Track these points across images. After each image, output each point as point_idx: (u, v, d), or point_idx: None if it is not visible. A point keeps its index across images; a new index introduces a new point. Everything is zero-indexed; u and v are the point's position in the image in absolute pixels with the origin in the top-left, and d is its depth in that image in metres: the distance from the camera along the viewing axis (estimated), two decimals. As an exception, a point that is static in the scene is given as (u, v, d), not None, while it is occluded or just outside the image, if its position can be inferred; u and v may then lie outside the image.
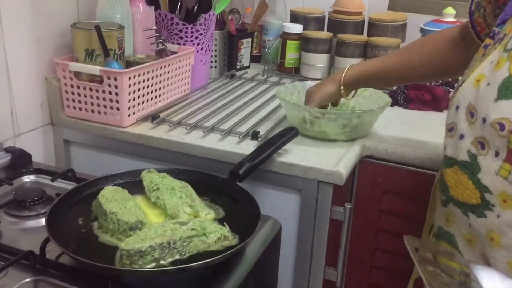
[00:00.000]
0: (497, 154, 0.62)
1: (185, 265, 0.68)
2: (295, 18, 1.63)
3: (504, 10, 0.71)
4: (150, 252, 0.68)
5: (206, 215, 0.80)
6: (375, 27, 1.55)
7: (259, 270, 0.82)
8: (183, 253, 0.71)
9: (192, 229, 0.73)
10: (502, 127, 0.61)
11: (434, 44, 0.97)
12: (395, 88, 1.39)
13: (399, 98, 1.35)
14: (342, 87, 1.04)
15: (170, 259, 0.70)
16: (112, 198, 0.79)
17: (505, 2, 0.74)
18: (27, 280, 0.72)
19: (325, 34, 1.55)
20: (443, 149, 0.73)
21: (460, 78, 0.73)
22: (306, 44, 1.54)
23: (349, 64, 1.08)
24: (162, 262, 0.69)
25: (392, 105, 1.34)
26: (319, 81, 1.14)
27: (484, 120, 0.63)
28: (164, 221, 0.77)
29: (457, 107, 0.70)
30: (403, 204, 1.10)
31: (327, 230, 1.02)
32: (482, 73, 0.67)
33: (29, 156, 1.04)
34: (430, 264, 0.58)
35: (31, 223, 0.86)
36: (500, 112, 0.61)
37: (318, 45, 1.53)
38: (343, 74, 1.04)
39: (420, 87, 1.35)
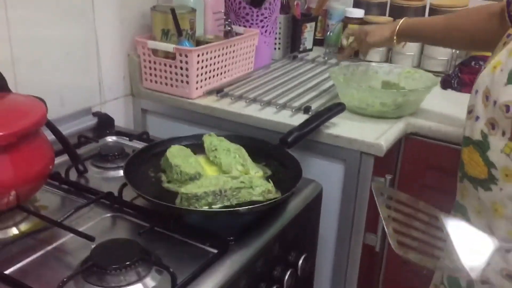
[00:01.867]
0: (503, 133, 0.70)
1: (233, 209, 0.82)
2: (358, 3, 1.71)
3: None
4: (204, 197, 0.82)
5: (255, 173, 0.93)
6: (436, 12, 1.59)
7: (299, 224, 0.94)
8: (232, 201, 0.84)
9: (241, 181, 0.86)
10: (507, 109, 0.68)
11: (478, 15, 1.03)
12: (450, 72, 1.44)
13: (452, 81, 1.40)
14: (395, 36, 1.14)
15: (221, 205, 0.83)
16: (177, 155, 0.94)
17: None
18: (107, 215, 0.89)
19: (385, 18, 1.62)
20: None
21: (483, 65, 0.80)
22: (366, 28, 1.61)
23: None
24: (214, 206, 0.83)
25: (445, 88, 1.40)
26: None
27: (495, 103, 0.71)
28: (219, 174, 0.91)
29: (476, 91, 0.77)
30: (444, 180, 1.16)
31: (368, 197, 1.12)
32: (500, 60, 0.73)
33: (112, 120, 1.22)
34: (392, 208, 0.67)
35: (112, 173, 1.03)
36: (508, 95, 0.69)
37: (378, 29, 1.59)
38: (399, 25, 1.14)
39: (475, 71, 1.39)
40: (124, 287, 0.70)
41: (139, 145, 1.12)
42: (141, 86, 1.32)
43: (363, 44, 1.24)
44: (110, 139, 1.18)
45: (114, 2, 1.23)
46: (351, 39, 1.32)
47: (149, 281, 0.72)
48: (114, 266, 0.71)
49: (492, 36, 0.85)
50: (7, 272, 0.73)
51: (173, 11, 1.21)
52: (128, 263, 0.71)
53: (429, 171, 1.18)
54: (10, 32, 1.01)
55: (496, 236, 0.72)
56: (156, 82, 1.30)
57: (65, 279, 0.68)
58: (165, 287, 0.71)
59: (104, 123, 1.20)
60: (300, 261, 0.92)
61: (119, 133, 1.18)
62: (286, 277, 0.88)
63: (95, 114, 1.21)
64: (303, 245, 0.97)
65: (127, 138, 1.15)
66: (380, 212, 0.66)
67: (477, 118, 0.75)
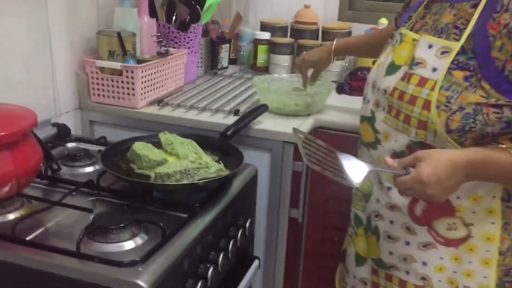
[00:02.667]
0: (383, 109, 1.02)
1: (195, 182, 1.06)
2: (264, 27, 2.03)
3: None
4: (173, 175, 1.06)
5: (207, 158, 1.18)
6: (327, 34, 1.97)
7: (243, 196, 1.20)
8: (194, 178, 1.08)
9: (199, 163, 1.11)
10: (385, 92, 1.01)
11: (383, 33, 1.37)
12: (343, 80, 1.80)
13: (345, 87, 1.76)
14: (332, 54, 1.45)
15: (186, 181, 1.07)
16: (142, 148, 1.16)
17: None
18: (89, 199, 1.08)
19: (288, 40, 1.96)
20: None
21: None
22: (273, 47, 1.94)
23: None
24: (180, 182, 1.07)
25: (340, 93, 1.75)
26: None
27: (378, 89, 1.03)
28: (180, 160, 1.15)
29: (367, 83, 1.10)
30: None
31: (291, 178, 1.41)
32: (381, 60, 1.07)
33: (69, 129, 1.40)
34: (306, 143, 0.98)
35: (80, 170, 1.22)
36: (385, 83, 1.02)
37: (283, 48, 1.93)
38: (334, 45, 1.45)
39: (361, 79, 1.76)
40: (123, 241, 0.91)
41: (98, 147, 1.32)
42: (89, 100, 1.51)
43: (316, 70, 1.52)
44: (70, 145, 1.35)
45: (64, 28, 1.42)
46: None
47: (141, 237, 0.94)
48: (113, 227, 0.92)
49: None
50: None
51: (119, 34, 1.43)
52: (126, 223, 0.92)
53: (334, 156, 1.51)
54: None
55: (382, 179, 1.04)
56: (103, 96, 1.50)
57: (81, 236, 0.88)
58: (152, 242, 0.92)
59: (62, 132, 1.38)
60: (247, 224, 1.19)
61: (78, 140, 1.37)
62: (239, 235, 1.14)
63: (54, 124, 1.38)
64: (247, 213, 1.23)
65: (86, 143, 1.34)
66: (299, 146, 0.97)
67: (368, 101, 1.07)
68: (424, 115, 0.93)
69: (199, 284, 0.96)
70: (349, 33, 1.96)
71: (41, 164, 1.05)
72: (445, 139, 0.92)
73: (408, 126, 0.96)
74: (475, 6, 0.92)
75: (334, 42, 1.46)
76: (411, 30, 1.03)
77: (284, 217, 1.45)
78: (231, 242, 1.10)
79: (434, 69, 0.94)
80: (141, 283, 0.81)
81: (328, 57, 1.46)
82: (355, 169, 0.89)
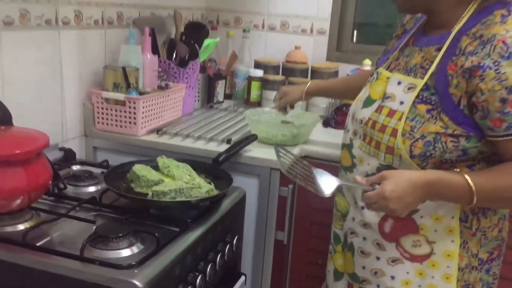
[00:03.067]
0: (360, 137, 1.16)
1: (188, 199, 1.18)
2: (258, 65, 2.19)
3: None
4: (169, 193, 1.18)
5: (199, 180, 1.30)
6: (316, 72, 2.13)
7: (231, 216, 1.32)
8: (187, 196, 1.21)
9: (193, 184, 1.23)
10: (361, 122, 1.15)
11: (361, 77, 1.51)
12: (329, 115, 1.94)
13: (331, 121, 1.90)
14: (304, 95, 1.58)
15: (180, 199, 1.19)
16: (141, 169, 1.28)
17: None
18: (92, 214, 1.20)
19: (280, 77, 2.11)
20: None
21: None
22: (266, 84, 2.10)
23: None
24: (175, 200, 1.19)
25: (326, 126, 1.89)
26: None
27: (356, 120, 1.17)
28: (176, 181, 1.27)
29: (348, 115, 1.24)
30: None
31: (277, 203, 1.53)
32: (360, 95, 1.21)
33: (74, 153, 1.53)
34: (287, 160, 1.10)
35: (84, 189, 1.34)
36: (362, 114, 1.15)
37: (275, 85, 2.08)
38: (306, 87, 1.58)
39: (345, 114, 1.90)
40: (121, 249, 1.03)
41: (101, 170, 1.44)
42: (94, 128, 1.65)
43: (284, 100, 1.65)
44: (75, 167, 1.48)
45: (75, 63, 1.57)
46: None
47: (137, 246, 1.05)
48: (113, 236, 1.03)
49: None
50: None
51: (124, 69, 1.58)
52: (125, 233, 1.04)
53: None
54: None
55: (356, 194, 1.16)
56: (107, 124, 1.63)
57: (84, 243, 0.99)
58: (147, 250, 1.03)
59: (68, 156, 1.51)
60: (234, 241, 1.30)
61: (82, 163, 1.49)
62: (226, 250, 1.25)
63: (61, 148, 1.51)
64: (235, 231, 1.35)
65: (90, 166, 1.47)
66: (279, 161, 1.10)
67: (348, 130, 1.21)
68: (392, 142, 1.06)
69: (189, 289, 1.07)
70: (336, 73, 2.11)
71: (50, 180, 1.17)
72: (409, 163, 1.05)
73: (378, 151, 1.09)
74: (439, 49, 1.07)
75: (307, 84, 1.59)
76: (387, 69, 1.18)
77: (270, 238, 1.56)
78: (219, 255, 1.21)
79: (402, 102, 1.07)
80: (137, 283, 0.92)
81: (300, 95, 1.60)
82: (327, 182, 1.02)
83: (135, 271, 0.95)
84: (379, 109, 1.11)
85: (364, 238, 1.18)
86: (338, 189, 1.04)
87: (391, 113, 1.08)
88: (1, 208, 1.09)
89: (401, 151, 1.05)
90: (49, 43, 1.47)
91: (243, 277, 1.37)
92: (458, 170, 1.04)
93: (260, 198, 1.53)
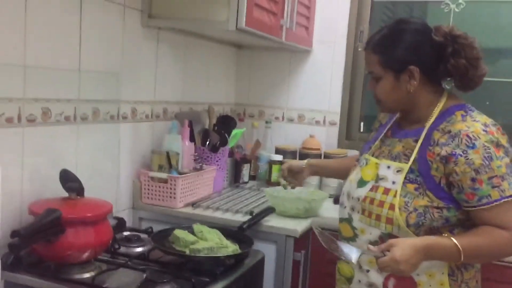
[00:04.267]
0: (358, 212, 1.44)
1: (217, 255, 1.49)
2: (278, 151, 2.55)
3: None
4: (203, 250, 1.49)
5: (226, 242, 1.61)
6: (328, 157, 2.46)
7: (252, 273, 1.61)
8: (217, 254, 1.51)
9: (221, 244, 1.55)
10: (358, 199, 1.44)
11: (350, 160, 1.81)
12: (338, 193, 2.24)
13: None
14: (307, 164, 1.83)
15: (211, 255, 1.50)
16: (181, 233, 1.60)
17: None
18: (141, 267, 1.51)
19: (296, 161, 2.46)
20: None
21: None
22: (284, 167, 2.44)
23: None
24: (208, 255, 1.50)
25: (336, 203, 2.19)
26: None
27: (352, 198, 1.46)
28: (208, 241, 1.58)
29: (343, 193, 1.54)
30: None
31: (291, 266, 1.81)
32: (352, 178, 1.52)
33: (125, 221, 1.86)
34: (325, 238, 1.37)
35: (134, 250, 1.66)
36: (358, 193, 1.44)
37: (292, 168, 2.42)
38: (306, 160, 1.87)
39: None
40: (167, 292, 1.33)
41: (147, 235, 1.76)
42: (141, 202, 2.00)
43: (286, 165, 1.89)
44: (126, 233, 1.81)
45: (129, 149, 1.96)
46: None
47: (178, 290, 1.35)
48: (159, 281, 1.34)
49: None
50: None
51: (167, 153, 1.95)
52: (168, 279, 1.35)
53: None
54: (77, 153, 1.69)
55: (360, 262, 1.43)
56: (152, 198, 1.98)
57: (139, 284, 1.30)
58: (186, 294, 1.34)
59: (120, 223, 1.84)
60: (255, 293, 1.58)
61: (131, 229, 1.82)
62: (248, 299, 1.53)
63: (115, 217, 1.85)
64: (255, 286, 1.63)
65: (138, 232, 1.79)
66: (316, 233, 1.36)
67: (345, 207, 1.49)
68: (390, 214, 1.34)
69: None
70: (345, 157, 2.45)
71: (110, 241, 1.50)
72: (406, 231, 1.32)
73: (379, 223, 1.36)
74: (416, 141, 1.38)
75: (305, 162, 1.83)
76: (372, 156, 1.49)
77: (287, 297, 1.83)
78: (243, 306, 1.50)
79: (394, 182, 1.36)
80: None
81: (301, 163, 1.83)
82: (351, 251, 1.32)
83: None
84: (374, 189, 1.39)
85: (371, 297, 1.43)
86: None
87: (386, 191, 1.36)
88: (75, 259, 1.42)
89: (399, 221, 1.32)
90: (111, 130, 1.86)
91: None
92: (446, 235, 1.31)
93: (277, 262, 1.82)
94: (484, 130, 1.29)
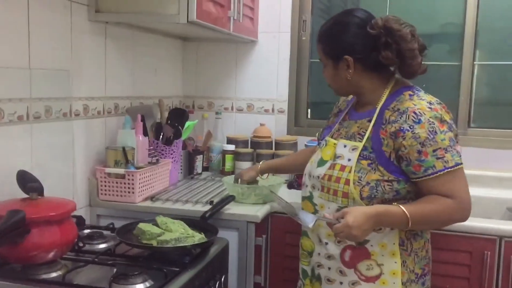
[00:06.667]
0: (318, 189, 1.53)
1: (184, 245, 1.52)
2: (230, 141, 2.59)
3: None
4: (170, 241, 1.51)
5: (192, 232, 1.64)
6: (279, 144, 2.54)
7: (218, 260, 1.64)
8: (184, 244, 1.54)
9: (187, 234, 1.57)
10: (318, 177, 1.53)
11: (305, 153, 1.91)
12: (291, 179, 2.33)
13: (294, 183, 2.28)
14: (259, 172, 1.96)
15: (178, 245, 1.53)
16: (145, 226, 1.62)
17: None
18: (109, 262, 1.51)
19: (249, 150, 2.52)
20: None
21: None
22: (237, 156, 2.49)
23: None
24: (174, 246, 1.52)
25: (290, 188, 2.27)
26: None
27: (313, 176, 1.55)
28: (173, 232, 1.60)
29: (304, 174, 1.62)
30: (297, 239, 1.97)
31: (253, 251, 1.87)
32: (313, 159, 1.60)
33: (84, 220, 1.84)
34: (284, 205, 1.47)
35: (97, 246, 1.65)
36: (317, 172, 1.53)
37: (245, 156, 2.48)
38: (259, 166, 1.97)
39: (305, 177, 2.29)
40: (138, 284, 1.34)
41: (108, 231, 1.76)
42: (98, 199, 1.98)
43: (241, 181, 2.00)
44: (87, 230, 1.79)
45: (83, 146, 1.93)
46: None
47: (149, 282, 1.36)
48: (131, 274, 1.35)
49: None
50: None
51: (123, 148, 1.95)
52: (140, 271, 1.36)
53: (288, 234, 1.98)
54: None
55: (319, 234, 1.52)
56: (109, 195, 1.97)
57: (111, 278, 1.31)
58: (157, 284, 1.35)
59: (80, 222, 1.81)
60: (222, 279, 1.62)
61: (92, 227, 1.81)
62: (217, 285, 1.57)
63: (73, 216, 1.81)
64: (222, 271, 1.67)
65: (98, 229, 1.78)
66: (276, 203, 1.48)
67: (306, 186, 1.58)
68: (346, 189, 1.43)
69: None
70: (295, 144, 2.53)
71: (76, 239, 1.49)
72: (360, 204, 1.42)
73: (336, 197, 1.46)
74: (370, 121, 1.48)
75: (259, 164, 1.97)
76: (331, 137, 1.58)
77: (250, 282, 1.88)
78: (212, 289, 1.54)
79: (349, 159, 1.46)
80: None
81: (255, 174, 1.97)
82: (308, 217, 1.42)
83: (151, 298, 1.27)
84: (332, 166, 1.49)
85: (329, 268, 1.52)
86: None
87: (342, 168, 1.46)
88: (40, 259, 1.40)
89: (354, 195, 1.42)
90: (65, 131, 1.83)
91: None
92: (395, 204, 1.41)
93: (240, 247, 1.87)
94: (429, 107, 1.40)
